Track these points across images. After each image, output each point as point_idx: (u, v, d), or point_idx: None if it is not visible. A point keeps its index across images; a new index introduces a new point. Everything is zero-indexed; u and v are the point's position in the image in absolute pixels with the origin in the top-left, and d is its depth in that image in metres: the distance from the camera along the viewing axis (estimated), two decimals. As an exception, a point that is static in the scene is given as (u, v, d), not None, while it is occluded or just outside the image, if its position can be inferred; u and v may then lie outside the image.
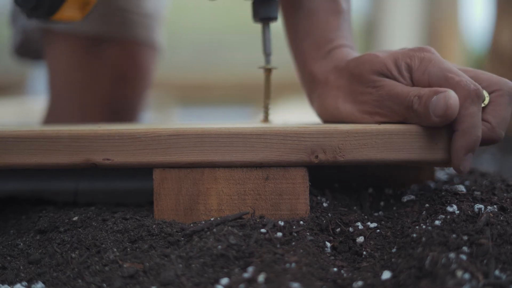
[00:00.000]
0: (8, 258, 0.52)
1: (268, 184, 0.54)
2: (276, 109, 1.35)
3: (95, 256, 0.50)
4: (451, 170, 0.71)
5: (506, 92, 0.54)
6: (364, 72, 0.58)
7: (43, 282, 0.48)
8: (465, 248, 0.46)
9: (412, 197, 0.58)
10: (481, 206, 0.53)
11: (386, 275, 0.47)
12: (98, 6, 0.68)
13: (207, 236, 0.50)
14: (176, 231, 0.52)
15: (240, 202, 0.54)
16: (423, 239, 0.48)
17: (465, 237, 0.48)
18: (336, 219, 0.55)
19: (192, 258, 0.48)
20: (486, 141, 0.54)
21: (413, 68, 0.56)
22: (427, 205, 0.55)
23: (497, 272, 0.45)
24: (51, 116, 0.97)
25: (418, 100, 0.53)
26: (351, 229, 0.54)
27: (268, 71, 0.68)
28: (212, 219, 0.53)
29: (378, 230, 0.54)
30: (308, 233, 0.52)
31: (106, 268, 0.49)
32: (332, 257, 0.51)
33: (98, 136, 0.53)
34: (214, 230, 0.51)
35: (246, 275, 0.46)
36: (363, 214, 0.57)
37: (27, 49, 1.00)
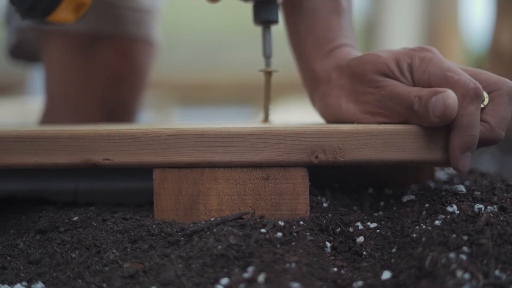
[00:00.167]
0: (8, 258, 0.52)
1: (268, 184, 0.54)
2: (276, 109, 1.35)
3: (95, 256, 0.50)
4: (451, 170, 0.71)
5: (506, 92, 0.54)
6: (366, 72, 0.58)
7: (43, 282, 0.48)
8: (465, 248, 0.46)
9: (412, 197, 0.58)
10: (481, 206, 0.53)
11: (386, 275, 0.47)
12: (91, 4, 0.67)
13: (207, 236, 0.50)
14: (176, 231, 0.52)
15: (240, 202, 0.54)
16: (423, 239, 0.48)
17: (465, 237, 0.48)
18: (336, 219, 0.55)
19: (192, 258, 0.48)
20: (486, 142, 0.53)
21: (414, 68, 0.55)
22: (427, 205, 0.55)
23: (497, 272, 0.45)
24: (48, 116, 0.96)
25: (418, 100, 0.53)
26: (351, 229, 0.54)
27: (268, 74, 0.68)
28: (212, 219, 0.53)
29: (378, 230, 0.54)
30: (308, 233, 0.52)
31: (106, 268, 0.49)
32: (332, 257, 0.51)
33: (98, 136, 0.53)
34: (214, 230, 0.51)
35: (246, 275, 0.46)
36: (363, 214, 0.57)
37: (22, 50, 0.98)
